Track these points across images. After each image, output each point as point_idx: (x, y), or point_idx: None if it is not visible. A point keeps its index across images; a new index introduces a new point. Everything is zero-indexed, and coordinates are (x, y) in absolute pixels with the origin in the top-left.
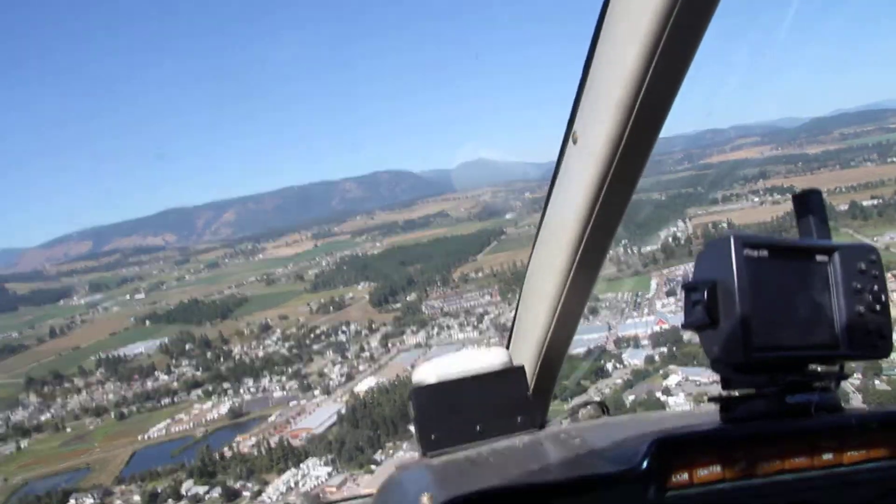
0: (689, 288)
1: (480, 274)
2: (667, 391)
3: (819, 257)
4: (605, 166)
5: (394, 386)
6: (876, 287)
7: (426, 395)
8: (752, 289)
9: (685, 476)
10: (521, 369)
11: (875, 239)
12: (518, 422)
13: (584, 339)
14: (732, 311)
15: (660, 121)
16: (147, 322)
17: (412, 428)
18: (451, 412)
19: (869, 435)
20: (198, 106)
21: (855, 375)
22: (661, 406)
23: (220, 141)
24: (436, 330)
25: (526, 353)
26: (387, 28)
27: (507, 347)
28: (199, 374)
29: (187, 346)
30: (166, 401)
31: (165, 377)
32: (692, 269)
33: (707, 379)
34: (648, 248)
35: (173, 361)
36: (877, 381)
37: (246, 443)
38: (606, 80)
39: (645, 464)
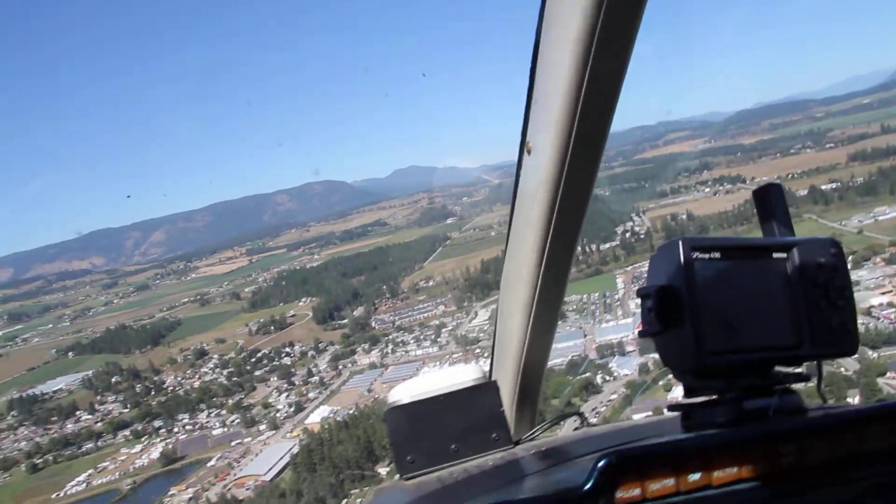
0: (642, 295)
1: (431, 282)
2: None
3: (777, 254)
4: (558, 173)
5: (353, 418)
6: (838, 281)
7: (400, 416)
8: (704, 291)
9: (636, 491)
10: (494, 384)
11: (843, 223)
12: (493, 438)
13: (560, 347)
14: (684, 315)
15: (605, 126)
16: (70, 353)
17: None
18: (425, 432)
19: (829, 437)
20: (122, 120)
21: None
22: None
23: (148, 157)
24: (390, 347)
25: (505, 368)
26: (311, 37)
27: (490, 364)
28: (126, 411)
29: (114, 379)
30: (89, 446)
31: (88, 417)
32: None
33: None
34: (607, 246)
35: (98, 398)
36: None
37: (182, 496)
38: (548, 89)
39: (590, 483)
